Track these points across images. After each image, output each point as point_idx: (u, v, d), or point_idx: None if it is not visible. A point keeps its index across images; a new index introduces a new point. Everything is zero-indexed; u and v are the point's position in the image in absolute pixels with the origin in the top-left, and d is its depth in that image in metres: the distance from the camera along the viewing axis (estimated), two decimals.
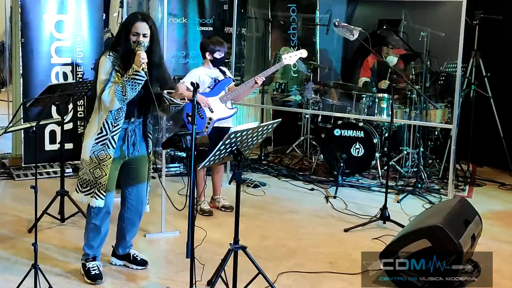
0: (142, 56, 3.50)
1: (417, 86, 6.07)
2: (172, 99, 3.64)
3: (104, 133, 3.61)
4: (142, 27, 3.58)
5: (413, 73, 6.36)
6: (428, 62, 6.19)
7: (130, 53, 3.56)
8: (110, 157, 3.63)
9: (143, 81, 3.52)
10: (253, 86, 4.96)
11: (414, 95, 6.13)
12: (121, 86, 3.50)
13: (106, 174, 3.63)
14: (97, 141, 3.61)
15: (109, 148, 3.62)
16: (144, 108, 3.73)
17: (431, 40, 6.06)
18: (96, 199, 3.65)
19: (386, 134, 6.35)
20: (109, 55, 3.58)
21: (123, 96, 3.51)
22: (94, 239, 3.81)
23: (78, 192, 3.72)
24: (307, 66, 7.26)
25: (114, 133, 3.62)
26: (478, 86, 6.46)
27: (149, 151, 3.83)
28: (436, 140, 6.44)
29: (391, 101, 5.28)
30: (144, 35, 3.57)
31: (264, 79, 5.01)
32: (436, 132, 6.37)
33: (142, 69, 3.49)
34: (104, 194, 3.66)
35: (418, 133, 6.28)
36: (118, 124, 3.62)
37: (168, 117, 3.94)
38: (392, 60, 6.52)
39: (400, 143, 6.49)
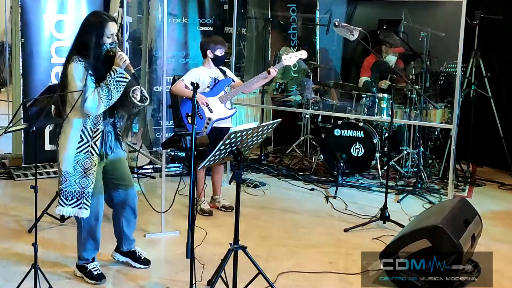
0: (126, 58, 3.48)
1: (417, 86, 6.07)
2: (133, 100, 3.58)
3: (85, 140, 3.54)
4: (115, 28, 3.53)
5: (413, 73, 6.36)
6: (428, 62, 6.18)
7: (102, 56, 3.50)
8: (95, 164, 3.58)
9: (127, 82, 3.49)
10: (266, 77, 4.89)
11: (414, 95, 6.12)
12: (106, 90, 3.44)
13: (93, 182, 3.58)
14: (79, 150, 3.53)
15: (93, 155, 3.56)
16: (114, 108, 3.63)
17: (431, 40, 6.06)
18: (86, 209, 3.58)
19: (386, 134, 6.35)
20: (80, 61, 3.47)
21: (109, 100, 3.46)
22: (91, 244, 3.77)
23: (64, 206, 3.58)
24: (307, 66, 7.26)
25: (95, 139, 3.56)
26: (478, 86, 6.46)
27: (124, 150, 3.81)
28: (436, 140, 6.43)
29: (391, 101, 5.28)
30: (115, 35, 3.54)
31: (277, 71, 4.92)
32: (436, 132, 6.36)
33: (126, 69, 3.47)
34: (90, 202, 3.59)
35: (418, 133, 6.27)
36: (98, 129, 3.56)
37: (129, 114, 3.86)
38: (391, 59, 6.52)
39: (400, 143, 6.48)
